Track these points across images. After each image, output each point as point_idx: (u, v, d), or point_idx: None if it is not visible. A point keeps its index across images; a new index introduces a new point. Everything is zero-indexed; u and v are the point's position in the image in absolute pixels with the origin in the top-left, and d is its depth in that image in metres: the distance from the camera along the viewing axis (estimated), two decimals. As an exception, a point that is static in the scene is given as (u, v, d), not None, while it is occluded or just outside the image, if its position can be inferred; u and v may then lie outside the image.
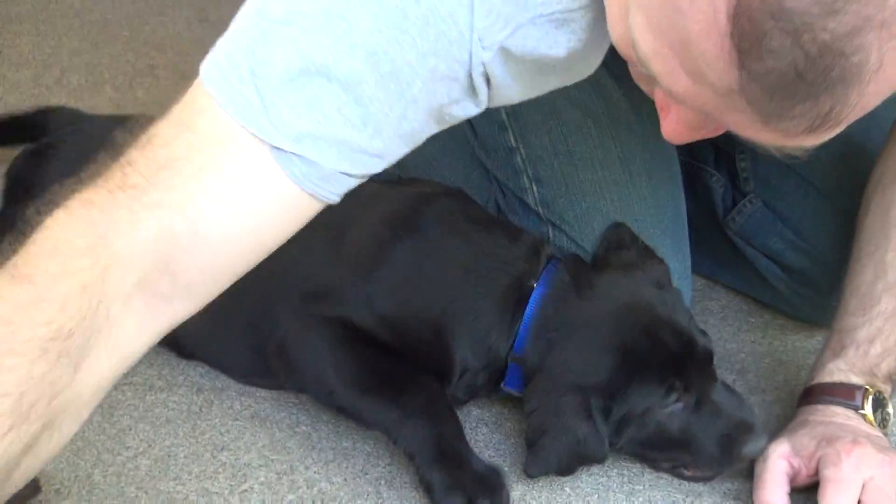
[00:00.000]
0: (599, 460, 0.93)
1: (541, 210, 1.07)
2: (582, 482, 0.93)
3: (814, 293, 1.11)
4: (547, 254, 0.98)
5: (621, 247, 1.01)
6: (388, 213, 0.99)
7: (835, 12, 0.53)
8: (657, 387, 0.91)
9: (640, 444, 0.94)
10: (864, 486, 0.85)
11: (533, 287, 0.95)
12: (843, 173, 1.08)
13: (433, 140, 0.84)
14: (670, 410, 0.91)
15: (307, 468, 0.90)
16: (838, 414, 0.91)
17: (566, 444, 0.91)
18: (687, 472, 0.96)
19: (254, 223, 0.70)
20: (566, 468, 0.94)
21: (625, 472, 0.94)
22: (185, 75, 0.72)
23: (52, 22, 1.64)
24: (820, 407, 0.92)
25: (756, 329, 1.17)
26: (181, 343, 1.01)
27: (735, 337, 1.15)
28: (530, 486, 0.92)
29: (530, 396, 0.94)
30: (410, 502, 0.89)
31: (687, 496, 0.92)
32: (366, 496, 0.88)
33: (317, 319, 0.97)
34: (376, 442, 0.94)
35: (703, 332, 0.95)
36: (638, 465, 0.94)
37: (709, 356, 0.93)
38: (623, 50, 0.69)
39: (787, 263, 1.12)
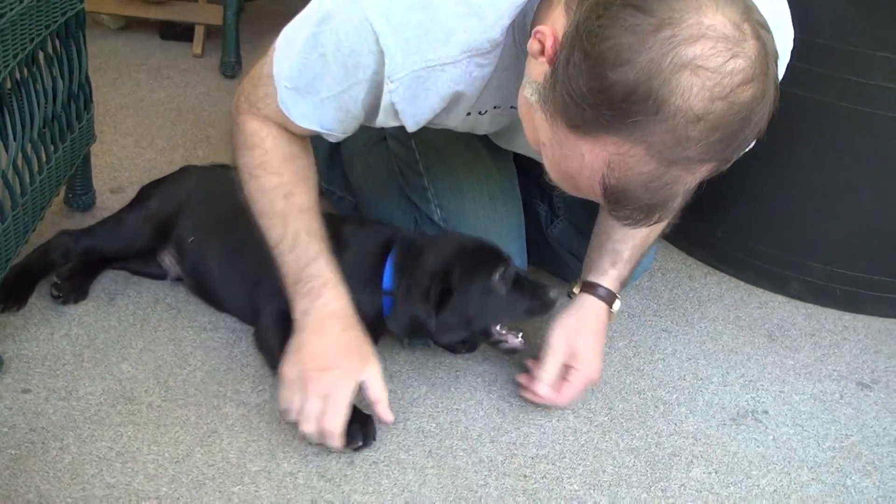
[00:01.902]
0: (431, 332, 1.42)
1: (442, 224, 1.63)
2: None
3: None
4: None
5: None
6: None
7: (658, 189, 1.01)
8: (491, 264, 1.43)
9: (473, 314, 1.43)
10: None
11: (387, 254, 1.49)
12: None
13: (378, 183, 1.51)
14: (501, 277, 1.43)
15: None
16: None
17: (408, 315, 1.42)
18: (503, 336, 1.46)
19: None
20: (409, 333, 1.47)
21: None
22: (228, 143, 1.41)
23: (146, 108, 2.34)
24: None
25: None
26: (214, 301, 1.64)
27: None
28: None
29: (395, 303, 1.44)
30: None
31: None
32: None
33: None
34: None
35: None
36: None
37: (509, 259, 1.47)
38: (533, 147, 1.15)
39: (580, 257, 1.78)
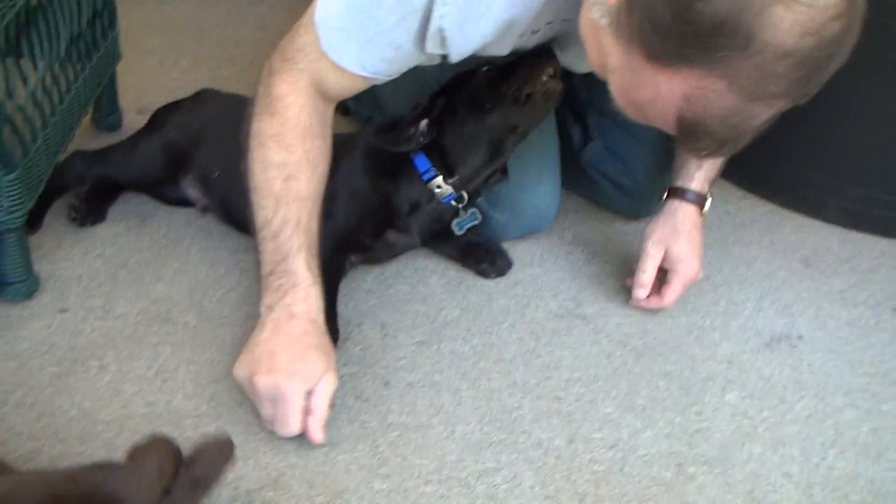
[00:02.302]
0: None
1: None
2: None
3: (630, 199, 1.72)
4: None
5: None
6: None
7: (735, 125, 0.98)
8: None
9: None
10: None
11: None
12: (651, 129, 1.69)
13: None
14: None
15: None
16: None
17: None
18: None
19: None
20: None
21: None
22: (252, 62, 1.37)
23: (170, 26, 2.31)
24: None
25: (597, 220, 1.79)
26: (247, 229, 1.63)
27: (584, 224, 1.77)
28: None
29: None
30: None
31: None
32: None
33: None
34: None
35: None
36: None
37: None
38: (596, 70, 1.12)
39: (615, 182, 1.73)
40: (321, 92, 1.31)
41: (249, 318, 1.44)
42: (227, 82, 1.89)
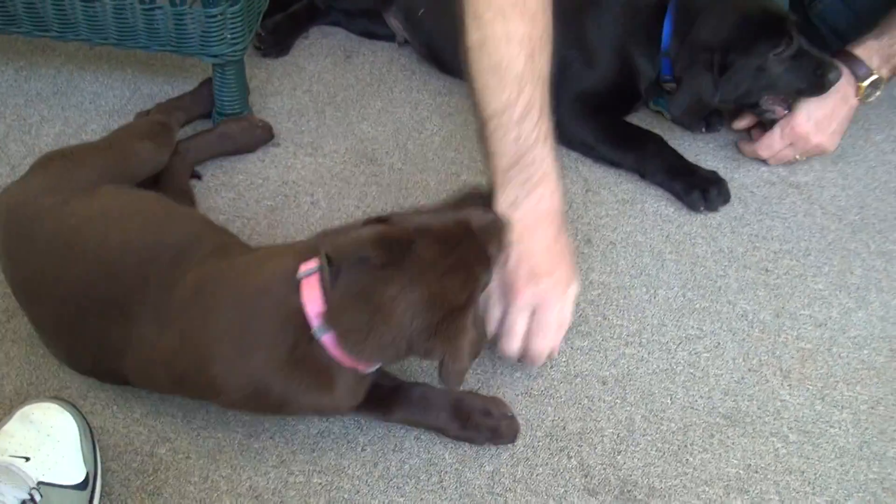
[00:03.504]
0: (710, 102, 1.37)
1: None
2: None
3: None
4: None
5: None
6: None
7: None
8: (773, 39, 1.34)
9: (746, 91, 1.38)
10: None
11: (665, 9, 1.40)
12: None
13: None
14: (781, 54, 1.36)
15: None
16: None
17: (692, 88, 1.37)
18: (770, 107, 1.41)
19: None
20: (689, 115, 1.40)
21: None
22: None
23: None
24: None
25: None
26: (450, 69, 1.57)
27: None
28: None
29: (676, 65, 1.39)
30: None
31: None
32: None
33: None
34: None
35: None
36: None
37: (797, 24, 1.38)
38: None
39: (846, 39, 1.61)
40: None
41: (453, 164, 1.44)
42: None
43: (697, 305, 1.28)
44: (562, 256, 1.09)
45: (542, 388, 1.16)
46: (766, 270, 1.34)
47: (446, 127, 1.51)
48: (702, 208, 1.40)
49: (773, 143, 1.45)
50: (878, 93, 1.42)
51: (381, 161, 1.44)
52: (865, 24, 1.54)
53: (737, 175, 1.48)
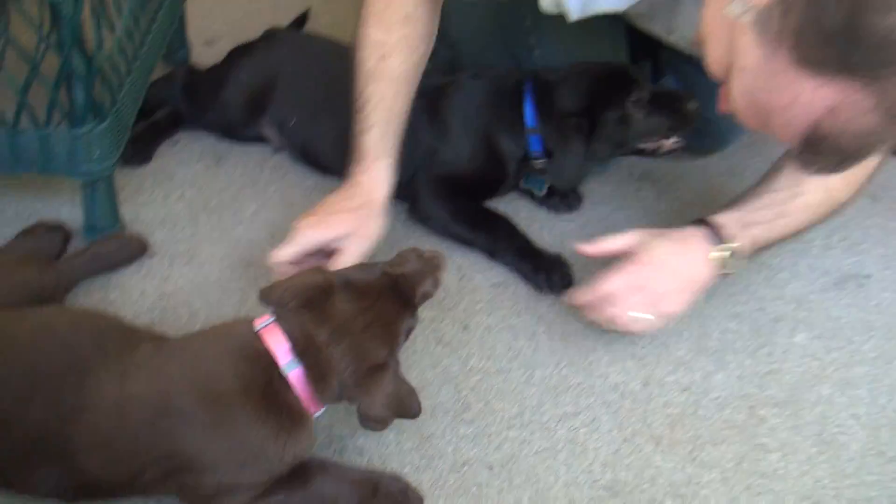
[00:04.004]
0: (591, 161, 1.48)
1: None
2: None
3: (700, 134, 1.59)
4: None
5: None
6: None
7: (866, 144, 0.95)
8: (624, 89, 1.45)
9: (619, 142, 1.48)
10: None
11: (522, 91, 1.51)
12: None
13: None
14: (638, 101, 1.45)
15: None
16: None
17: (572, 154, 1.46)
18: (656, 146, 1.50)
19: None
20: (574, 177, 1.51)
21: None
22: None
23: None
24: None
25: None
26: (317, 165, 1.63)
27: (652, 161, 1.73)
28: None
29: (547, 139, 1.48)
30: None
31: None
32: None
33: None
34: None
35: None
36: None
37: (643, 69, 1.52)
38: (713, 67, 1.05)
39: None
40: None
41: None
42: (295, 8, 1.87)
43: (572, 382, 1.35)
44: (337, 213, 1.31)
45: (432, 480, 1.20)
46: (633, 342, 1.42)
47: (321, 224, 1.54)
48: (544, 290, 1.47)
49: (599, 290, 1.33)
50: (719, 255, 1.32)
51: (258, 263, 1.46)
52: (704, 104, 1.63)
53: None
